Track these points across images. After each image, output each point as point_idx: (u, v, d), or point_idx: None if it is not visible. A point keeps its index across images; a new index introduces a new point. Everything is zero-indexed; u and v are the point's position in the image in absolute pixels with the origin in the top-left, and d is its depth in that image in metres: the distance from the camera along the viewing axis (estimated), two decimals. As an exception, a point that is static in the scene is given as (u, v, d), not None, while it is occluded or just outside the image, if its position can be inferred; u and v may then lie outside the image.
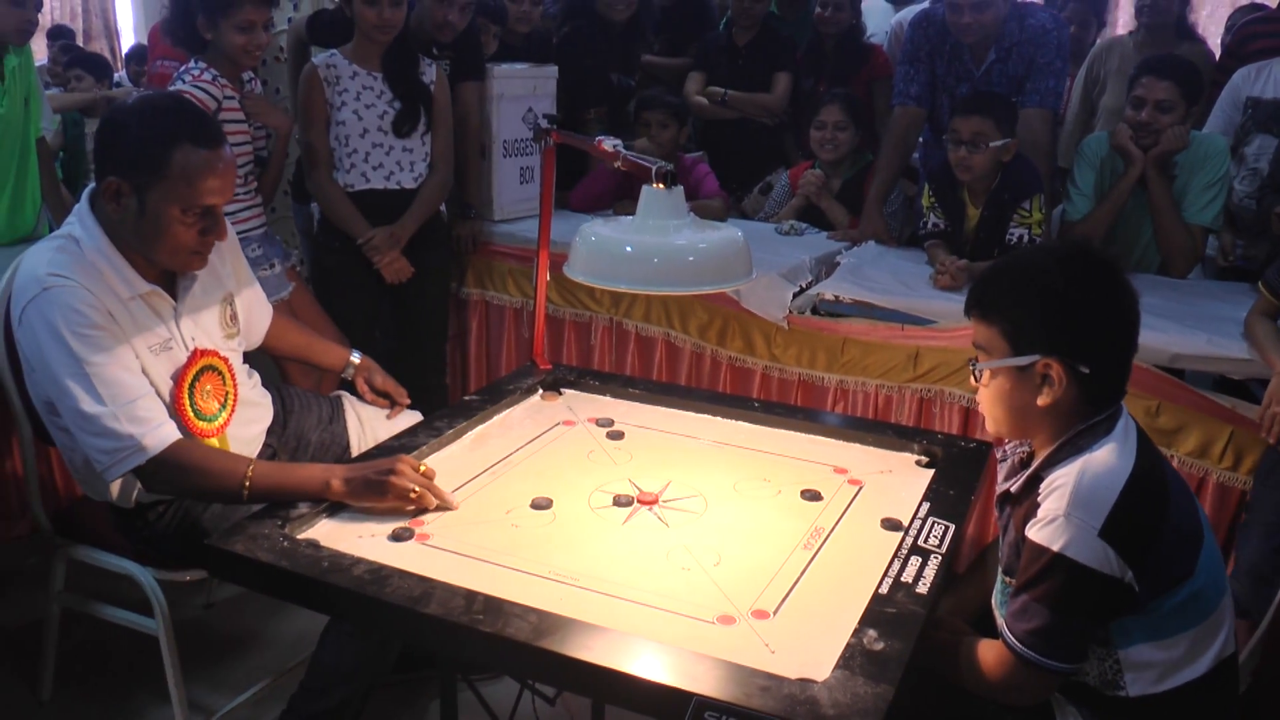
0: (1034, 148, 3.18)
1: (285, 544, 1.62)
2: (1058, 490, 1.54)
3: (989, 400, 1.68)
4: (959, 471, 1.95)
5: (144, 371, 1.92)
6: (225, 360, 2.09)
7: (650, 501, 1.86)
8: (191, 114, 1.94)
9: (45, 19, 7.29)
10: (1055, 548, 1.51)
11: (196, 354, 2.02)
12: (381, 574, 1.54)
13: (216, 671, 2.64)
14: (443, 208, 3.43)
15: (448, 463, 2.00)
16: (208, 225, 1.90)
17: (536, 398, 2.35)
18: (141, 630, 2.30)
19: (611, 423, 2.20)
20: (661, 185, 1.71)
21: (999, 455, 1.83)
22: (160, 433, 1.86)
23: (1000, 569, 1.71)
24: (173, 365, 1.99)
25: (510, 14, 3.81)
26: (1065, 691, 1.64)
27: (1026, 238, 3.04)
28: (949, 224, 3.20)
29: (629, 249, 1.70)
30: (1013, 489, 1.69)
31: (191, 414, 2.00)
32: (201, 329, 2.07)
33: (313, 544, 1.64)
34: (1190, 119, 3.10)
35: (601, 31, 4.08)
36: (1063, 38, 3.35)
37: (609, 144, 1.94)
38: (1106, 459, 1.55)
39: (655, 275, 1.69)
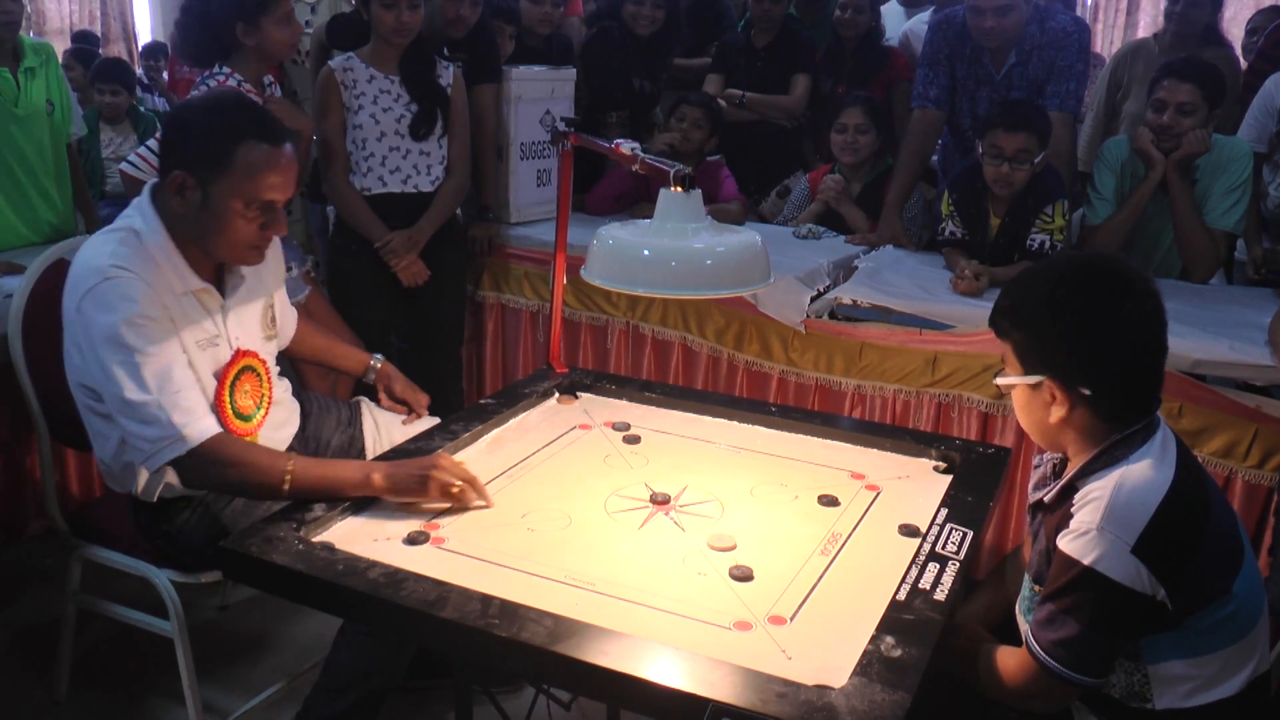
0: (1054, 152, 3.16)
1: (301, 547, 1.62)
2: (1092, 503, 1.52)
3: (1017, 413, 1.69)
4: (977, 477, 1.94)
5: (190, 365, 1.94)
6: (264, 362, 2.12)
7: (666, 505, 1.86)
8: (256, 111, 1.98)
9: (64, 22, 7.32)
10: (1086, 561, 1.49)
11: (239, 354, 2.04)
12: (397, 577, 1.53)
13: (231, 673, 2.64)
14: (459, 210, 3.43)
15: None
16: (268, 220, 1.93)
17: (553, 401, 2.34)
18: (156, 632, 2.31)
19: (628, 427, 2.20)
20: (679, 188, 1.70)
21: (1034, 462, 1.81)
22: (202, 424, 1.87)
23: (1028, 576, 1.69)
24: (215, 363, 2.01)
25: (532, 15, 3.81)
26: (1086, 700, 1.62)
27: (1048, 243, 3.02)
28: (967, 232, 3.18)
29: (646, 252, 1.69)
30: (1046, 499, 1.66)
31: (231, 412, 2.01)
32: (245, 329, 2.10)
33: (328, 547, 1.64)
34: (1212, 122, 3.07)
35: (629, 35, 4.08)
36: (1084, 40, 3.33)
37: (627, 147, 1.93)
38: (1144, 473, 1.52)
39: (672, 279, 1.68)
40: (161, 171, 1.94)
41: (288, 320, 2.35)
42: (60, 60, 5.59)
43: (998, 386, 1.68)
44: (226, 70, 2.87)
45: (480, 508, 1.81)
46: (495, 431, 2.15)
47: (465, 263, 3.53)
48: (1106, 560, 1.47)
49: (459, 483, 1.80)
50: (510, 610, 1.46)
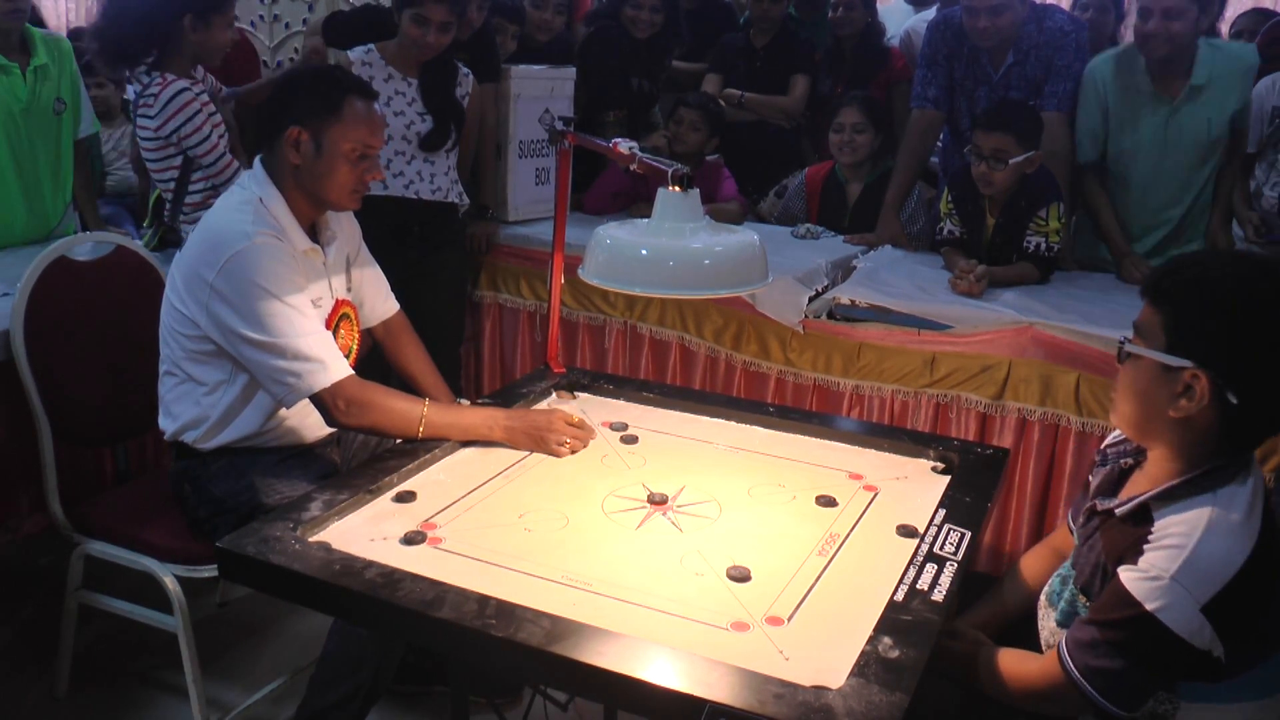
0: (1052, 152, 3.16)
1: (297, 547, 1.62)
2: (1170, 550, 1.43)
3: (1124, 388, 1.55)
4: (975, 478, 1.94)
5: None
6: (355, 308, 2.33)
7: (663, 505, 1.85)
8: (353, 75, 2.33)
9: (61, 20, 7.31)
10: (1149, 607, 1.41)
11: (339, 303, 2.25)
12: (393, 577, 1.53)
13: (232, 669, 2.64)
14: (460, 203, 3.41)
15: (460, 466, 2.00)
16: (369, 166, 2.15)
17: (550, 401, 2.34)
18: (159, 627, 2.31)
19: (625, 427, 2.20)
20: (678, 188, 1.70)
21: (1096, 458, 1.75)
22: (342, 364, 2.07)
23: (1073, 581, 1.63)
24: (323, 316, 2.18)
25: (532, 20, 3.81)
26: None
27: (1044, 246, 3.03)
28: (965, 231, 3.18)
29: (644, 252, 1.69)
30: (1116, 511, 1.56)
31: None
32: (338, 281, 2.28)
33: (324, 547, 1.63)
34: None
35: (627, 35, 4.07)
36: (1081, 39, 3.32)
37: (625, 146, 1.93)
38: (1230, 528, 1.43)
39: (670, 278, 1.68)
40: (274, 133, 2.13)
41: (370, 295, 2.42)
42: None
43: (1121, 350, 1.53)
44: (162, 76, 2.91)
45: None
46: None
47: (466, 263, 3.53)
48: (1171, 612, 1.40)
49: (570, 440, 2.04)
50: (507, 610, 1.45)
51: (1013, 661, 1.62)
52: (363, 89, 2.16)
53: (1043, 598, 1.74)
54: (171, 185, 3.01)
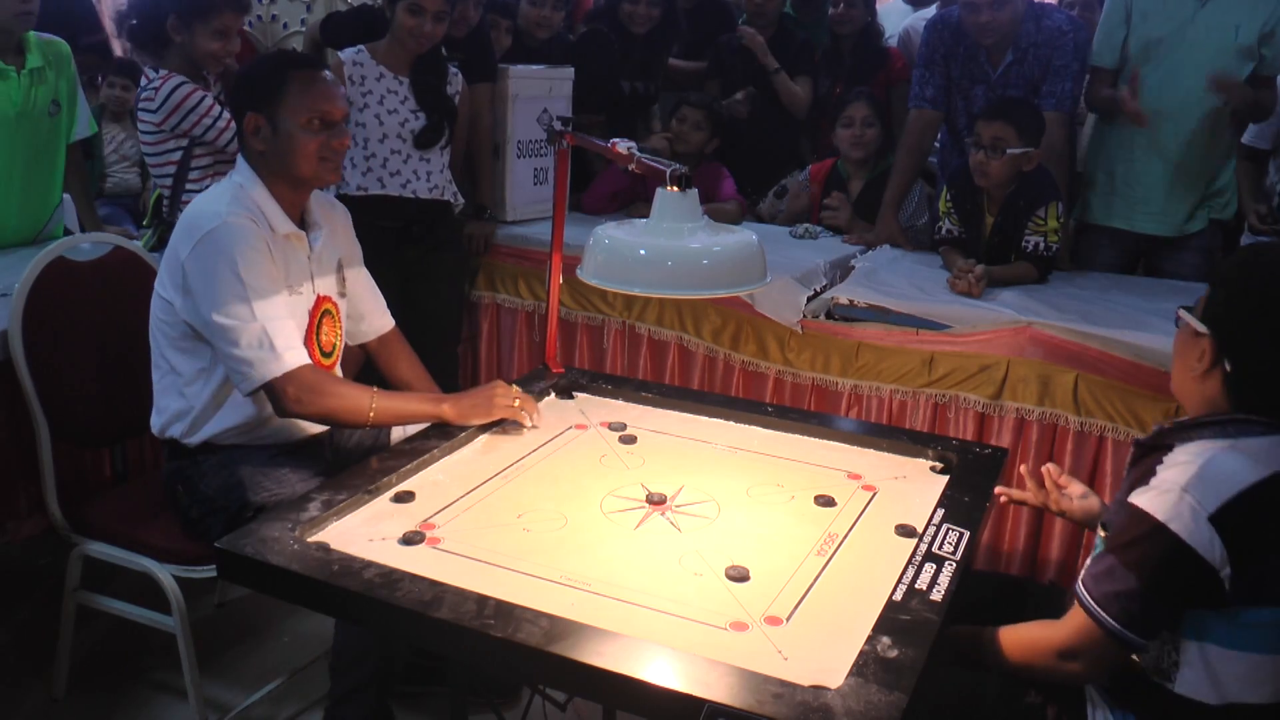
0: (1050, 151, 3.15)
1: (295, 547, 1.61)
2: (1180, 465, 1.52)
3: (1174, 351, 1.70)
4: (974, 478, 1.94)
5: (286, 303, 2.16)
6: (338, 308, 2.35)
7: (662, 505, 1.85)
8: (295, 53, 2.49)
9: (61, 20, 7.30)
10: (1160, 518, 1.49)
11: (320, 299, 2.28)
12: (392, 578, 1.53)
13: (231, 669, 2.64)
14: (455, 201, 3.41)
15: (459, 466, 2.00)
16: (331, 133, 2.17)
17: (549, 401, 2.34)
18: (158, 627, 2.31)
19: (624, 427, 2.19)
20: (676, 188, 1.70)
21: (1133, 449, 1.81)
22: (299, 353, 2.10)
23: (1100, 525, 1.69)
24: (302, 304, 2.23)
25: (530, 18, 3.79)
26: (1104, 689, 1.62)
27: (1042, 245, 3.03)
28: (964, 231, 3.19)
29: (642, 252, 1.69)
30: (1143, 439, 1.69)
31: (317, 348, 2.25)
32: (323, 278, 2.30)
33: (323, 547, 1.63)
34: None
35: (622, 38, 4.06)
36: (1080, 39, 3.32)
37: (623, 146, 1.93)
38: (1241, 455, 1.52)
39: (669, 278, 1.68)
40: (238, 122, 2.20)
41: (368, 309, 2.47)
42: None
43: (1178, 312, 1.68)
44: (164, 72, 2.93)
45: (530, 428, 2.11)
46: (491, 431, 2.15)
47: (464, 263, 3.53)
48: (1181, 520, 1.47)
49: (516, 400, 2.12)
50: (506, 611, 1.45)
51: (1032, 627, 1.64)
52: (306, 61, 2.23)
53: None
54: (169, 180, 3.01)
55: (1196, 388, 1.62)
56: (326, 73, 2.22)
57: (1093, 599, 1.54)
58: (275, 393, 2.08)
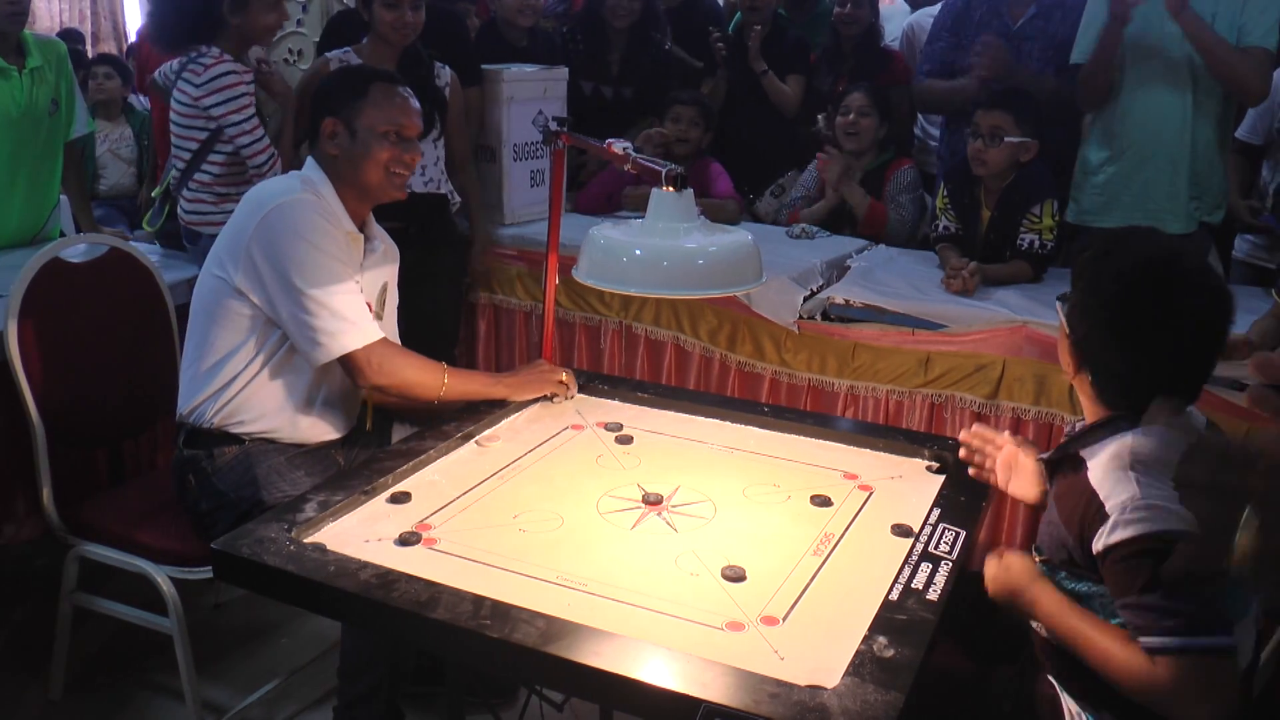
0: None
1: (292, 548, 1.62)
2: (1113, 473, 1.49)
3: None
4: (970, 477, 1.93)
5: None
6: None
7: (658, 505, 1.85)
8: (377, 67, 2.54)
9: (54, 21, 7.30)
10: (1146, 531, 1.43)
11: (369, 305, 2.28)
12: (388, 578, 1.53)
13: (227, 670, 2.64)
14: (452, 199, 3.41)
15: (456, 466, 2.00)
16: (404, 147, 2.23)
17: (545, 401, 2.34)
18: (154, 629, 2.31)
19: (620, 427, 2.20)
20: (671, 188, 1.70)
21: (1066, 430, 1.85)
22: (374, 326, 2.15)
23: (1046, 564, 1.63)
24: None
25: (510, 6, 3.77)
26: (1078, 695, 1.61)
27: (1037, 243, 3.03)
28: (961, 227, 3.19)
29: (638, 252, 1.69)
30: (1043, 457, 1.72)
31: None
32: (368, 289, 2.30)
33: (319, 548, 1.63)
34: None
35: (601, 45, 4.03)
36: None
37: (619, 146, 1.93)
38: (1156, 432, 1.51)
39: (665, 279, 1.68)
40: (314, 127, 2.25)
41: (392, 336, 2.45)
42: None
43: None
44: (216, 50, 2.91)
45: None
46: (487, 431, 2.15)
47: (462, 264, 3.53)
48: (1160, 514, 1.42)
49: (562, 376, 2.26)
50: (502, 611, 1.45)
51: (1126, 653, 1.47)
52: (388, 75, 2.28)
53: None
54: (187, 156, 3.00)
55: (1078, 386, 1.67)
56: (408, 89, 2.27)
57: (1156, 638, 1.41)
58: (357, 362, 2.11)
